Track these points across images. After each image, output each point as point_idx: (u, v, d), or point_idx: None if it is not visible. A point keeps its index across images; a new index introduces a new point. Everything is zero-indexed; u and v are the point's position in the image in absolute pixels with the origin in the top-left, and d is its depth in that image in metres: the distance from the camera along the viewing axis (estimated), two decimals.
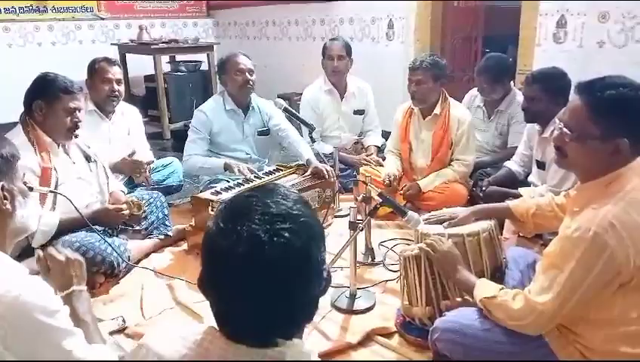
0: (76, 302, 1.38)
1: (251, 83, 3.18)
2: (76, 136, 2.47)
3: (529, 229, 1.98)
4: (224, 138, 3.24)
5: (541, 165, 2.79)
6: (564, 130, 1.49)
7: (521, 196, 2.61)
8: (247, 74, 3.15)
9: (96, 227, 2.45)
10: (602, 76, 1.48)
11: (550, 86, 2.65)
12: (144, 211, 2.67)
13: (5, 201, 1.24)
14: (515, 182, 2.95)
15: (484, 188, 2.93)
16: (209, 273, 0.86)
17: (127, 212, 2.48)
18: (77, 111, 2.39)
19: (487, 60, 3.41)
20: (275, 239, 0.81)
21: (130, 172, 3.04)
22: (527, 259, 1.98)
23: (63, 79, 2.39)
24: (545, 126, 2.72)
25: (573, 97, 1.50)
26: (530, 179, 2.91)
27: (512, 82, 3.50)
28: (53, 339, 1.15)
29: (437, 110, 3.13)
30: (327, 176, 2.98)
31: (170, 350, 0.89)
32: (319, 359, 0.93)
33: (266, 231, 0.81)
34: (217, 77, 3.27)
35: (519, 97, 3.41)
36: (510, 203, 2.02)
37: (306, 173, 3.05)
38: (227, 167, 3.05)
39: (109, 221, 2.50)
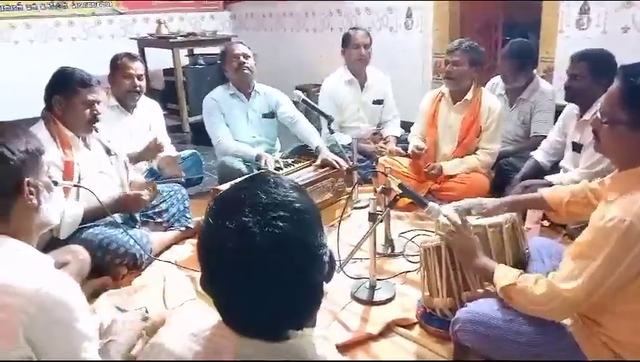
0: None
1: (247, 66, 3.25)
2: (96, 130, 2.50)
3: (564, 218, 1.95)
4: (229, 121, 3.32)
5: (577, 147, 2.73)
6: (598, 114, 1.46)
7: (552, 185, 2.58)
8: (241, 58, 3.25)
9: (117, 217, 2.49)
10: None
11: (596, 66, 2.59)
12: (158, 192, 2.66)
13: (31, 196, 1.25)
14: (542, 173, 2.90)
15: (514, 186, 2.86)
16: (207, 272, 0.84)
17: (147, 197, 2.48)
18: (96, 104, 2.41)
19: (511, 46, 3.36)
20: (267, 229, 0.78)
21: (152, 155, 3.06)
22: (550, 249, 1.95)
23: (80, 73, 2.41)
24: (585, 109, 2.67)
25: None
26: (562, 164, 2.86)
27: (534, 70, 3.44)
28: (70, 338, 1.15)
29: (468, 96, 3.12)
30: (336, 167, 2.98)
31: (183, 348, 0.88)
32: (331, 343, 0.91)
33: (257, 222, 0.78)
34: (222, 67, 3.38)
35: (542, 85, 3.35)
36: (544, 192, 1.97)
37: (317, 163, 3.06)
38: (258, 158, 3.12)
39: (130, 207, 2.52)
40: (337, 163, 2.99)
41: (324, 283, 0.88)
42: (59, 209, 1.42)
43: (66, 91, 2.37)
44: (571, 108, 2.84)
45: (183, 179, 3.14)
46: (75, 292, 1.18)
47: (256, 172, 2.89)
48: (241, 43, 3.39)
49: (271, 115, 3.42)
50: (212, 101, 3.32)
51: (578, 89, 2.65)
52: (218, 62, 3.50)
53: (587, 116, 2.64)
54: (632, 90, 1.37)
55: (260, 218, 0.79)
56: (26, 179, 1.24)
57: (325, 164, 3.02)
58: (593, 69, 2.59)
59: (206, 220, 0.85)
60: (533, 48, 3.52)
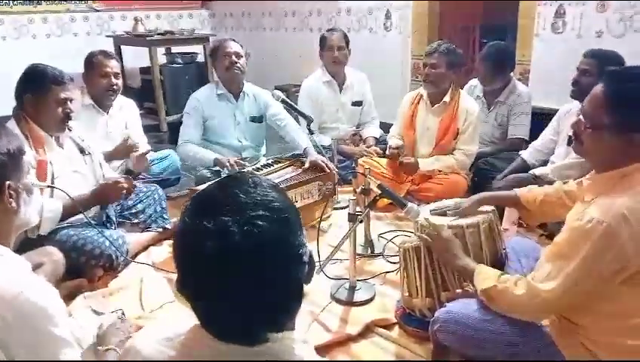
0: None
1: (238, 66, 3.15)
2: (69, 129, 2.44)
3: (536, 217, 1.96)
4: (215, 122, 3.23)
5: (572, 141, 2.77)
6: (581, 117, 1.46)
7: (537, 178, 2.61)
8: (233, 57, 3.14)
9: (92, 217, 2.45)
10: (632, 65, 1.44)
11: (607, 64, 2.62)
12: (135, 186, 2.60)
13: (11, 200, 1.22)
14: (528, 171, 2.92)
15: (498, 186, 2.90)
16: (183, 273, 0.83)
17: (126, 185, 2.41)
18: (68, 102, 2.36)
19: (489, 48, 3.39)
20: (246, 228, 0.77)
21: (124, 154, 2.99)
22: (528, 249, 1.97)
23: (52, 70, 2.36)
24: None
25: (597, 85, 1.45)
26: (552, 159, 2.88)
27: (511, 73, 3.48)
28: (48, 343, 1.12)
29: (446, 98, 3.13)
30: (326, 169, 2.97)
31: (157, 353, 0.86)
32: (310, 347, 0.90)
33: (236, 221, 0.77)
34: (209, 65, 3.26)
35: (519, 88, 3.40)
36: (518, 191, 1.99)
37: (304, 166, 3.04)
38: (217, 163, 3.02)
39: (109, 196, 2.45)
40: (327, 165, 2.97)
41: (302, 283, 0.87)
42: (37, 209, 1.39)
43: (37, 89, 2.32)
44: (567, 108, 2.88)
45: (151, 173, 3.09)
46: (53, 297, 1.16)
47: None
48: (234, 40, 3.25)
49: (259, 118, 3.34)
50: (195, 101, 3.22)
51: (586, 84, 2.66)
52: (198, 61, 3.43)
53: None
54: (617, 95, 1.38)
55: (240, 217, 0.78)
56: (7, 183, 1.21)
57: (314, 166, 3.00)
58: (603, 68, 2.63)
59: (182, 220, 0.83)
60: (511, 50, 3.57)
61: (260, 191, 0.83)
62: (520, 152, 3.11)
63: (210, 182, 2.73)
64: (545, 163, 2.97)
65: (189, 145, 3.17)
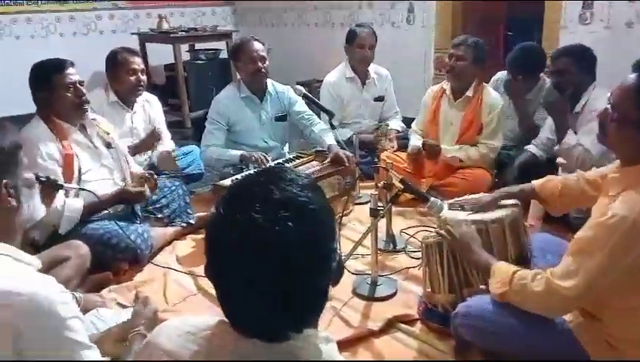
0: (135, 343, 1.45)
1: (264, 70, 3.11)
2: (86, 112, 2.45)
3: (557, 209, 1.93)
4: (242, 126, 3.21)
5: None
6: (609, 107, 1.41)
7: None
8: (259, 62, 3.08)
9: (118, 212, 2.49)
10: None
11: (578, 59, 2.62)
12: (157, 186, 2.65)
13: (9, 198, 1.18)
14: (539, 165, 2.88)
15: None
16: (211, 262, 0.83)
17: (149, 193, 2.46)
18: (77, 85, 2.38)
19: (517, 52, 3.24)
20: (277, 228, 0.76)
21: (150, 145, 3.04)
22: (553, 245, 1.94)
23: (51, 61, 2.40)
24: (574, 103, 2.66)
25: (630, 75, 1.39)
26: (559, 160, 2.82)
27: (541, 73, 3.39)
28: (63, 348, 1.08)
29: (469, 92, 3.10)
30: (346, 163, 2.95)
31: (179, 347, 0.85)
32: (333, 345, 0.88)
33: (266, 219, 0.76)
34: (231, 63, 3.23)
35: (549, 86, 3.31)
36: (535, 183, 1.95)
37: (326, 160, 3.03)
38: (243, 159, 3.01)
39: (132, 200, 2.51)
40: (348, 159, 2.95)
41: (329, 286, 0.86)
42: (40, 204, 1.37)
43: (44, 85, 2.36)
44: None
45: (179, 170, 3.12)
46: (64, 299, 1.11)
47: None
48: (257, 40, 3.15)
49: (284, 117, 3.31)
50: (219, 105, 3.16)
51: (566, 84, 2.65)
52: (221, 57, 3.40)
53: (577, 108, 2.66)
54: None
55: (270, 215, 0.77)
56: (4, 181, 1.17)
57: (336, 159, 2.99)
58: (576, 63, 2.62)
59: (217, 209, 0.83)
60: (541, 53, 3.44)
61: (295, 190, 0.81)
62: (526, 147, 3.05)
63: (234, 177, 2.76)
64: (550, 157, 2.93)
65: (210, 149, 3.13)
